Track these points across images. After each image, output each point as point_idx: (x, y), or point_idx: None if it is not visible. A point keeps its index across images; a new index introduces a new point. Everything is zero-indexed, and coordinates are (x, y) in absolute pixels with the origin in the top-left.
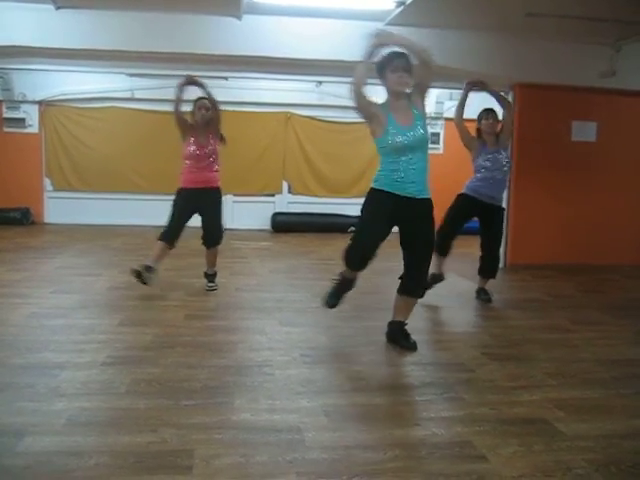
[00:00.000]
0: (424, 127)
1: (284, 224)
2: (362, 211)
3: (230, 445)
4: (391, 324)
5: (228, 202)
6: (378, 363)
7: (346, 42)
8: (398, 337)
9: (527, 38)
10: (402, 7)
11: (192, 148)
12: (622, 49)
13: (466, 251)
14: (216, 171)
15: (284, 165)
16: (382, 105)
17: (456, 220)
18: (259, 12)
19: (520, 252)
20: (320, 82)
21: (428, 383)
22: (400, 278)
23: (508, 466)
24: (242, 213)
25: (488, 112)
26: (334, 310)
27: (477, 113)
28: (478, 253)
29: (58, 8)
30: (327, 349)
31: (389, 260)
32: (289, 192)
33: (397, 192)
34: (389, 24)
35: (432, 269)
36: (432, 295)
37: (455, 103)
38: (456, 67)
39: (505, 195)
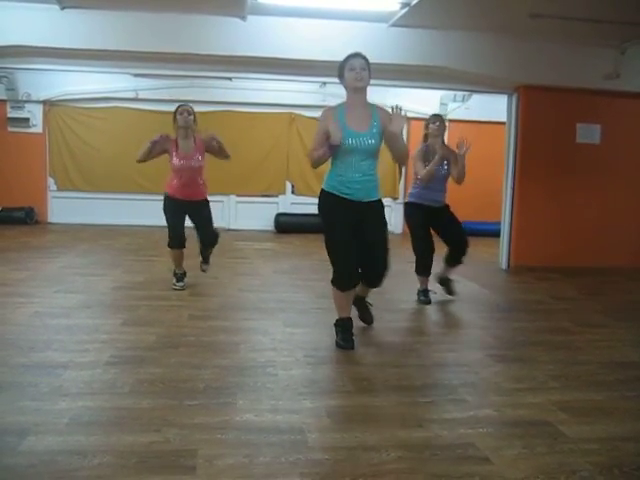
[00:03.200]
0: (377, 139)
1: (287, 225)
2: (325, 222)
3: (233, 445)
4: (358, 300)
5: (231, 202)
6: (381, 364)
7: (351, 43)
8: (360, 306)
9: (531, 40)
10: (407, 8)
11: (176, 161)
12: (627, 51)
13: (468, 252)
14: (201, 184)
15: (287, 166)
16: (337, 111)
17: (424, 232)
18: (263, 13)
19: (523, 254)
20: (324, 83)
21: (431, 384)
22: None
23: (511, 468)
24: (245, 214)
25: (436, 117)
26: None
27: (483, 115)
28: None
29: (63, 8)
30: (330, 350)
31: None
32: (292, 193)
33: (347, 197)
34: (393, 25)
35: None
36: (435, 296)
37: (459, 104)
38: (460, 69)
39: (508, 197)
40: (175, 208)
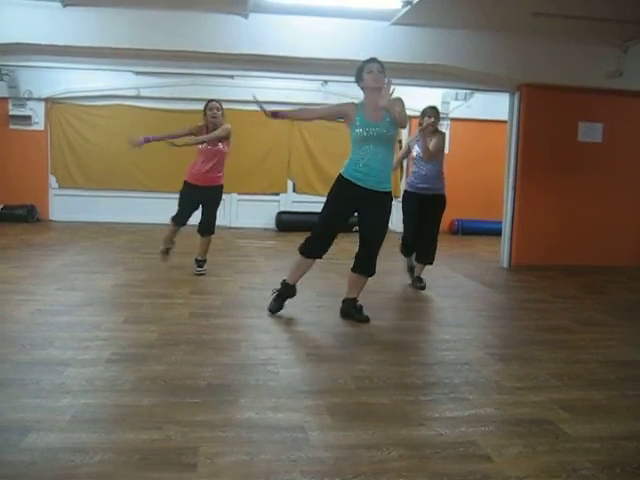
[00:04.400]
0: (390, 129)
1: (289, 223)
2: (327, 199)
3: (234, 443)
4: (345, 301)
5: (233, 201)
6: (382, 362)
7: (353, 41)
8: (352, 312)
9: (533, 38)
10: (409, 7)
11: (203, 146)
12: (629, 50)
13: (470, 251)
14: (219, 172)
15: (289, 164)
16: (358, 106)
17: (412, 216)
18: (265, 11)
19: (524, 253)
20: (326, 81)
21: (433, 383)
22: (355, 257)
23: (513, 466)
24: (247, 212)
25: (432, 110)
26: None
27: (485, 114)
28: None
29: (65, 6)
30: (331, 348)
31: (393, 260)
32: (294, 191)
33: (359, 183)
34: (395, 23)
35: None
36: (436, 295)
37: (461, 103)
38: (462, 67)
39: (510, 195)
40: (190, 196)
